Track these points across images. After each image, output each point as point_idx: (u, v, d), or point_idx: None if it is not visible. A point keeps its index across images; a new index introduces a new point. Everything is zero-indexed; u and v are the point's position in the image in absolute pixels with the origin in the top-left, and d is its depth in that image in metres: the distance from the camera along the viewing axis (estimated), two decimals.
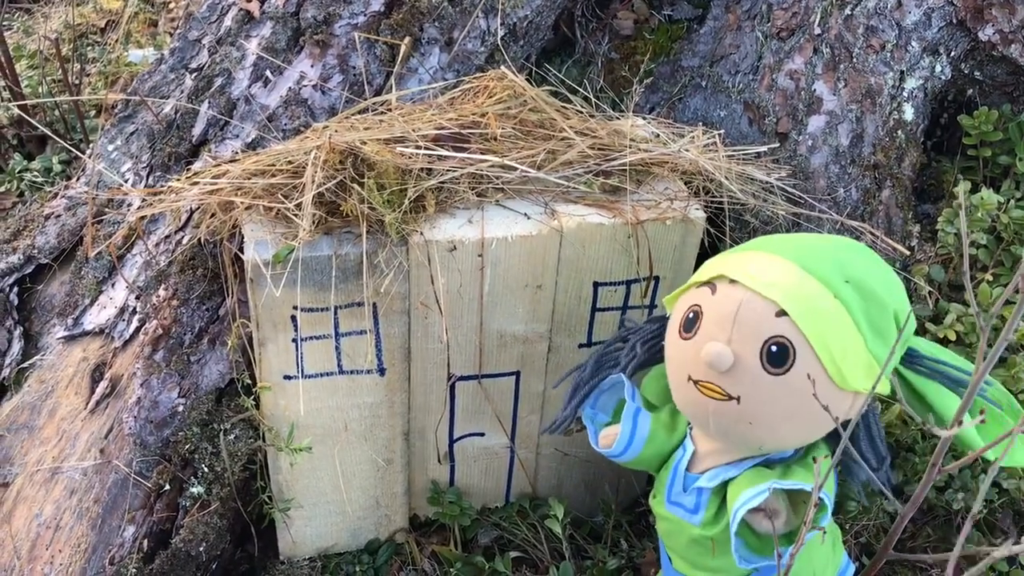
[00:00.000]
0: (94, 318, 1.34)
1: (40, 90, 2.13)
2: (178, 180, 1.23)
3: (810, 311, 0.93)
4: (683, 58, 1.63)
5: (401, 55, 1.40)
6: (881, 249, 1.42)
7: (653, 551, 1.43)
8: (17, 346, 1.37)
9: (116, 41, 2.43)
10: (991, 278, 1.45)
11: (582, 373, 1.19)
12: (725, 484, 1.06)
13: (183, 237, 1.32)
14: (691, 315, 1.01)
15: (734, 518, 1.00)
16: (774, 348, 0.94)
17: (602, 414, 1.20)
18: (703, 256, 1.30)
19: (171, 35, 2.39)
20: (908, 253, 1.43)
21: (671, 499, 1.12)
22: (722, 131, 1.42)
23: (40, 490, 1.26)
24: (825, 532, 1.04)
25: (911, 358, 1.02)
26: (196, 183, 1.21)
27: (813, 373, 0.93)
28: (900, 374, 1.03)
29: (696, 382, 0.99)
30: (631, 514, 1.52)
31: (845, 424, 0.95)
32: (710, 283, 1.00)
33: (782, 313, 0.93)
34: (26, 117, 1.92)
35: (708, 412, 1.00)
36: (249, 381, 1.27)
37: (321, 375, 1.25)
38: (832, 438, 1.03)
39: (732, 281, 0.97)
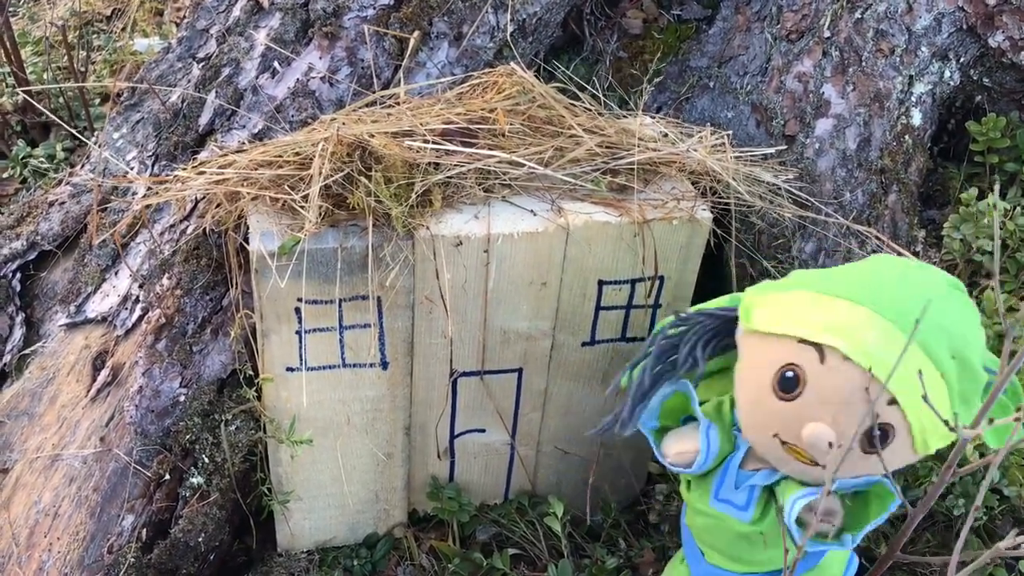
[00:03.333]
0: (97, 306, 1.34)
1: (45, 77, 2.13)
2: (184, 169, 1.23)
3: (920, 398, 0.89)
4: (691, 58, 1.63)
5: (410, 49, 1.40)
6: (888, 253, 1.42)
7: (651, 551, 1.43)
8: (19, 333, 1.37)
9: (122, 30, 2.43)
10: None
11: (641, 384, 1.11)
12: (778, 481, 1.06)
13: (188, 227, 1.32)
14: (790, 374, 0.95)
15: (790, 513, 1.00)
16: (878, 431, 0.92)
17: (651, 421, 1.14)
18: (708, 256, 1.31)
19: (176, 25, 2.39)
20: (912, 259, 1.43)
21: (719, 496, 1.10)
22: (729, 132, 1.42)
23: (39, 477, 1.25)
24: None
25: None
26: (202, 172, 1.20)
27: (903, 448, 0.93)
28: None
29: (784, 443, 0.98)
30: (630, 513, 1.51)
31: None
32: (818, 347, 0.94)
33: (894, 401, 0.91)
34: (32, 101, 1.92)
35: (787, 463, 1.00)
36: (251, 372, 1.26)
37: (324, 368, 1.25)
38: None
39: (846, 357, 0.91)
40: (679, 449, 1.11)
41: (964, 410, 0.94)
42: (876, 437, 0.92)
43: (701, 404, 1.10)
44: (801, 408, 0.95)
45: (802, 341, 0.94)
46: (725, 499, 1.10)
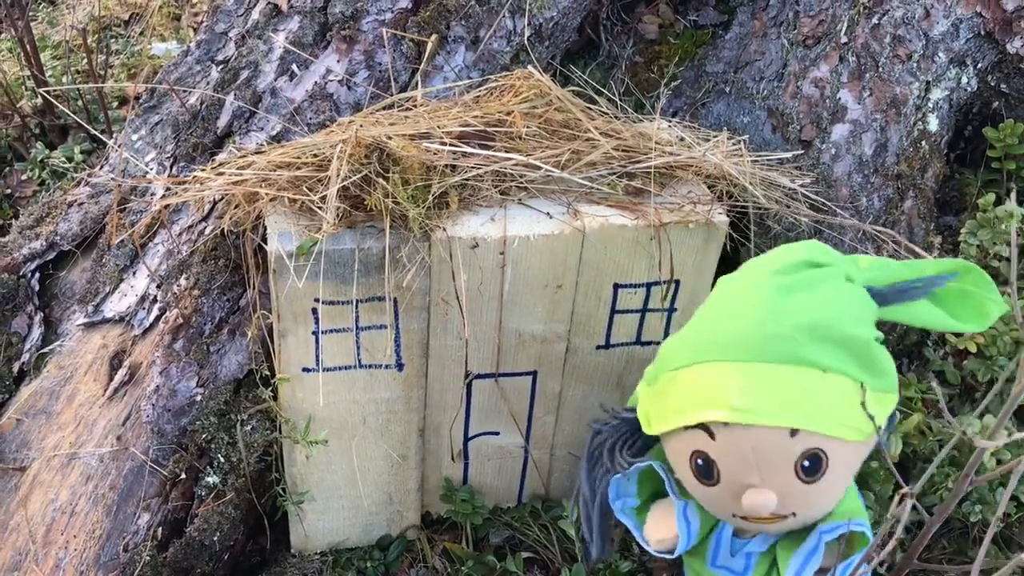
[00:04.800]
0: (114, 306, 1.35)
1: (64, 80, 2.14)
2: (203, 170, 1.23)
3: (817, 410, 0.90)
4: (707, 63, 1.63)
5: (427, 52, 1.40)
6: (904, 258, 1.41)
7: None
8: (37, 332, 1.38)
9: (140, 34, 2.44)
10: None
11: (587, 500, 1.14)
12: (775, 544, 1.05)
13: (206, 227, 1.33)
14: (701, 462, 0.97)
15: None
16: (806, 464, 0.92)
17: (629, 499, 1.14)
18: (724, 260, 1.30)
19: (194, 29, 2.40)
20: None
21: (716, 563, 1.09)
22: (746, 137, 1.42)
23: (56, 475, 1.26)
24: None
25: (875, 299, 1.00)
26: (221, 173, 1.21)
27: (846, 456, 0.93)
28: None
29: (745, 518, 0.98)
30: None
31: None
32: (702, 427, 0.95)
33: (795, 431, 0.90)
34: (52, 101, 1.93)
35: (767, 528, 1.00)
36: (268, 372, 1.27)
37: (340, 368, 1.25)
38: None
39: (726, 424, 0.92)
40: (659, 537, 1.10)
41: (877, 380, 0.93)
42: (804, 468, 0.92)
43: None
44: (729, 484, 0.96)
45: (686, 428, 0.96)
46: (723, 566, 1.08)
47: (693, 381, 0.96)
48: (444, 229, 1.18)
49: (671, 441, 1.01)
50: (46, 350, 1.36)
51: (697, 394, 0.95)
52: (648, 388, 1.04)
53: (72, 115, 1.71)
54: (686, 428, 0.96)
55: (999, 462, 1.23)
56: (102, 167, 1.51)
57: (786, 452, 0.91)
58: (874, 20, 1.51)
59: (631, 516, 1.13)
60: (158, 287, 1.33)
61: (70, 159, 1.93)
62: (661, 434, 1.02)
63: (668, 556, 1.10)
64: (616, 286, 1.28)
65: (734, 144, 1.35)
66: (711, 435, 0.94)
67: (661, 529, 1.10)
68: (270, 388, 1.26)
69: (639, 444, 1.11)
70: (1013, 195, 0.79)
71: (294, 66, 1.42)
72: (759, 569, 1.06)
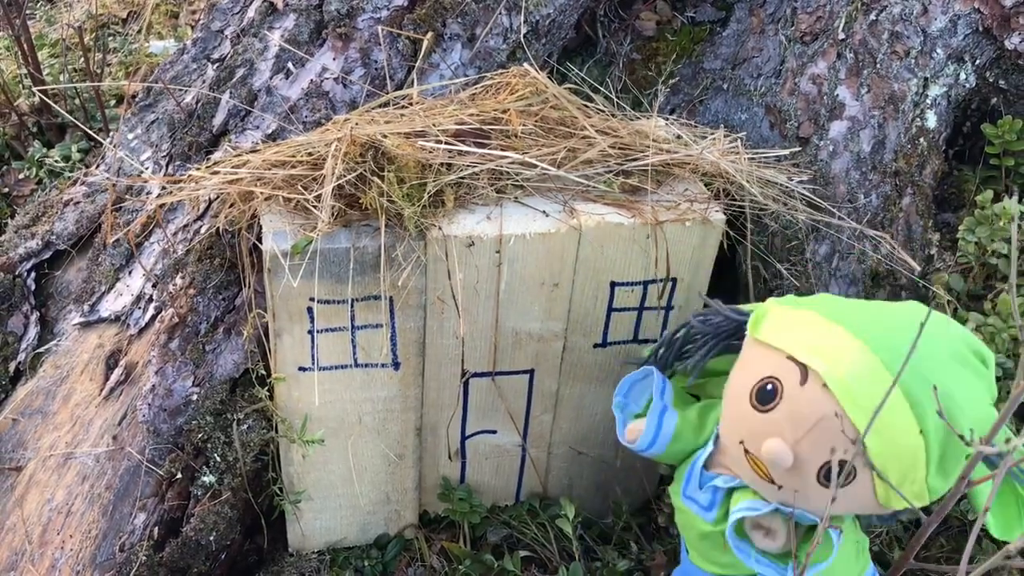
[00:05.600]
0: (110, 305, 1.35)
1: (61, 78, 2.14)
2: (198, 169, 1.23)
3: (891, 447, 0.88)
4: (705, 60, 1.62)
5: (423, 50, 1.40)
6: (896, 261, 1.41)
7: (663, 554, 1.42)
8: (33, 331, 1.37)
9: (138, 32, 2.44)
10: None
11: (671, 342, 1.16)
12: (737, 487, 1.06)
13: (201, 226, 1.32)
14: (769, 387, 0.95)
15: (730, 521, 1.02)
16: (836, 470, 0.90)
17: (633, 404, 1.19)
18: (721, 259, 1.30)
19: (192, 27, 2.40)
20: (918, 269, 1.41)
21: (686, 493, 1.12)
22: (743, 134, 1.41)
23: (53, 475, 1.26)
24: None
25: None
26: (216, 172, 1.21)
27: (864, 493, 0.92)
28: None
29: (748, 451, 0.98)
30: (641, 516, 1.51)
31: None
32: (803, 367, 0.93)
33: (859, 443, 0.88)
34: (48, 101, 1.93)
35: (747, 473, 1.00)
36: (264, 372, 1.27)
37: (336, 368, 1.25)
38: None
39: (824, 385, 0.90)
40: (635, 427, 1.15)
41: (939, 477, 0.91)
42: (833, 473, 0.89)
43: (706, 400, 1.14)
44: (770, 422, 0.95)
45: (790, 358, 0.94)
46: (691, 497, 1.11)
47: (827, 331, 0.94)
48: (440, 228, 1.17)
49: (759, 352, 0.99)
50: (42, 349, 1.36)
51: (822, 343, 0.93)
52: (782, 304, 1.02)
53: (68, 115, 1.70)
54: (788, 356, 0.94)
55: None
56: (98, 166, 1.51)
57: (838, 445, 0.90)
58: (872, 16, 1.51)
59: (624, 416, 1.18)
60: (154, 286, 1.32)
61: (67, 158, 1.93)
62: (755, 340, 1.00)
63: (629, 446, 1.15)
64: (613, 284, 1.28)
65: (731, 141, 1.34)
66: (803, 379, 0.92)
67: (641, 424, 1.14)
68: (266, 387, 1.25)
69: (722, 349, 1.10)
70: (1015, 197, 0.78)
71: (290, 64, 1.41)
72: (722, 508, 1.07)
